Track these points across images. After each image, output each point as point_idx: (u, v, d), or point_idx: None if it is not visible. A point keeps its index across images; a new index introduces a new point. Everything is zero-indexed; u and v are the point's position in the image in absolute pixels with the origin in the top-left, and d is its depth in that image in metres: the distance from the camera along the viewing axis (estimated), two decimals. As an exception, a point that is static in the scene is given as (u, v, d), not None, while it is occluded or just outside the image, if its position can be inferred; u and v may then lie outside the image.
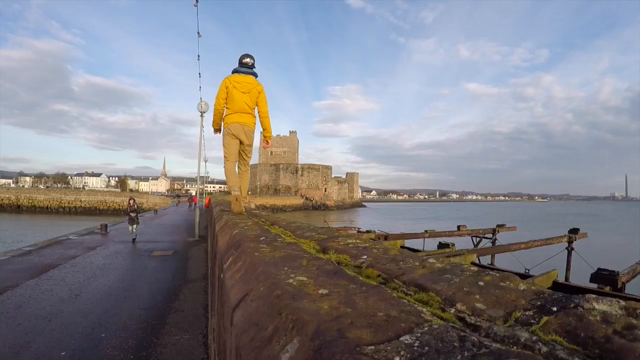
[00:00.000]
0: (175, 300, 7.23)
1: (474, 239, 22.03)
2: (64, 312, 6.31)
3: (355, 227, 18.35)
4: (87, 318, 6.08)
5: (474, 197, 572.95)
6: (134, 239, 14.87)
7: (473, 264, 11.66)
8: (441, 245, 12.85)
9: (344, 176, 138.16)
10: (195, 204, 49.18)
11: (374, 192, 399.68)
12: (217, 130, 5.70)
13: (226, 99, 5.24)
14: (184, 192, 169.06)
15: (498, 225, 23.17)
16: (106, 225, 18.36)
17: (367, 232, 16.23)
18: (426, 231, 18.08)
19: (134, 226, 15.32)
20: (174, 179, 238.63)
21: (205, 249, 13.14)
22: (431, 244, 21.93)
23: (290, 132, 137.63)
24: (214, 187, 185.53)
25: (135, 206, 16.15)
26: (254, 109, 5.38)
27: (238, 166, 5.74)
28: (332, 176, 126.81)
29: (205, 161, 37.85)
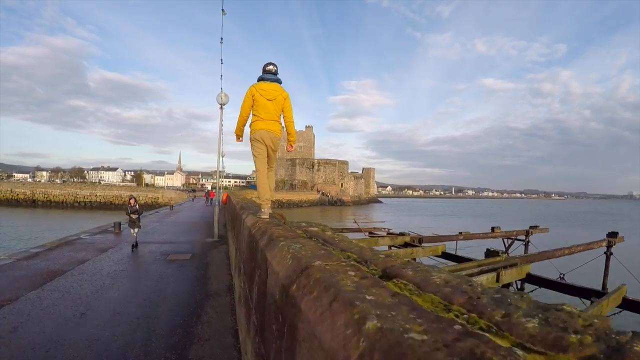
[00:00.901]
0: (197, 322, 6.08)
1: (505, 240, 20.77)
2: (65, 340, 5.20)
3: (385, 228, 17.13)
4: (92, 348, 4.97)
5: (490, 194, 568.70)
6: (133, 245, 12.63)
7: (529, 275, 10.44)
8: (490, 253, 11.58)
9: (358, 171, 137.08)
10: (212, 199, 48.72)
11: (389, 188, 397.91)
12: (239, 136, 5.75)
13: (252, 106, 5.26)
14: (199, 186, 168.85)
15: (531, 227, 21.94)
16: (120, 224, 17.38)
17: (401, 234, 15.07)
18: (460, 233, 16.87)
19: (136, 230, 13.15)
20: (189, 174, 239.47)
21: (226, 252, 12.07)
22: (467, 248, 20.76)
23: (306, 127, 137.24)
24: (229, 181, 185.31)
25: (137, 206, 13.79)
26: (280, 115, 5.41)
27: (267, 169, 5.68)
28: (349, 171, 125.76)
29: (222, 156, 36.71)
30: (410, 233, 15.61)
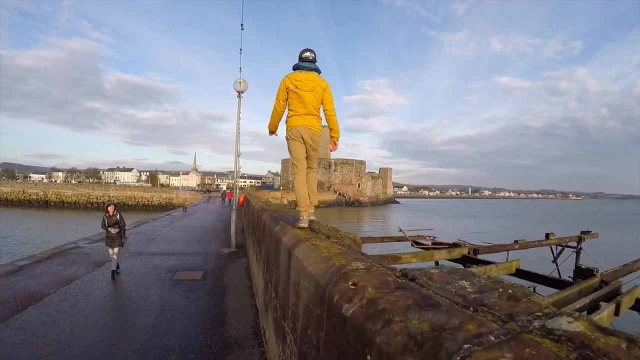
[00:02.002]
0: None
1: (553, 248, 18.43)
2: None
3: (431, 237, 14.95)
4: None
5: (507, 194, 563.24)
6: (113, 272, 9.08)
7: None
8: (581, 273, 9.31)
9: (374, 172, 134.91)
10: (230, 200, 47.10)
11: (405, 188, 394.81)
12: (272, 132, 5.09)
13: (287, 99, 4.64)
14: (214, 187, 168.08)
15: (583, 232, 19.66)
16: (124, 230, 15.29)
17: (455, 245, 12.95)
18: (516, 241, 14.78)
19: (115, 250, 9.41)
20: (204, 174, 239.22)
21: (247, 268, 9.88)
22: (529, 257, 18.54)
23: (323, 127, 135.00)
24: (244, 182, 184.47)
25: (118, 216, 9.78)
26: (319, 109, 4.70)
27: (307, 170, 4.88)
28: (366, 171, 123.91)
29: (239, 155, 34.62)
30: (467, 243, 13.49)
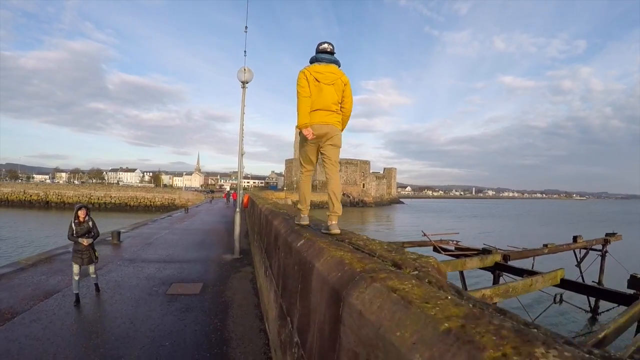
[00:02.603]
0: None
1: (576, 252, 17.38)
2: None
3: (454, 240, 13.84)
4: None
5: (510, 194, 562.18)
6: (76, 302, 6.82)
7: None
8: (636, 282, 8.14)
9: (377, 172, 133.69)
10: (234, 201, 45.91)
11: (408, 188, 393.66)
12: (307, 124, 4.05)
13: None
14: (217, 187, 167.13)
15: (607, 235, 18.73)
16: (119, 234, 14.11)
17: (485, 251, 11.86)
18: (545, 245, 13.89)
19: (90, 269, 7.45)
20: (207, 174, 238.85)
21: (253, 279, 8.66)
22: (552, 261, 17.52)
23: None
24: (248, 182, 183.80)
25: (90, 223, 7.46)
26: (339, 104, 4.25)
27: (326, 172, 4.26)
28: (370, 172, 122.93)
29: (242, 154, 33.47)
30: (497, 248, 12.39)
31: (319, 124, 4.11)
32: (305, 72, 4.17)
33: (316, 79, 4.14)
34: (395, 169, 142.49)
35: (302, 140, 4.26)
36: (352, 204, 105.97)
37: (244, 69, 11.22)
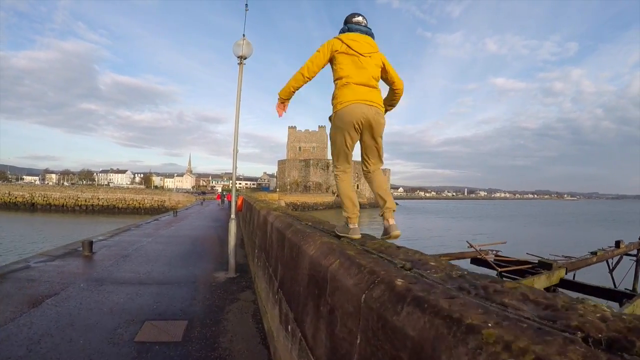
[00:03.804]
0: None
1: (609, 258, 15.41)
2: None
3: (494, 251, 11.80)
4: None
5: (502, 195, 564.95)
6: None
7: None
8: None
9: None
10: (229, 202, 43.91)
11: (400, 189, 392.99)
12: (285, 100, 3.60)
13: (333, 67, 3.42)
14: (209, 188, 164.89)
15: None
16: (91, 243, 11.79)
17: (541, 263, 9.90)
18: (594, 253, 12.21)
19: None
20: (199, 176, 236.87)
21: (255, 313, 6.34)
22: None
23: (319, 127, 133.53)
24: (240, 183, 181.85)
25: None
26: (378, 81, 3.43)
27: (365, 170, 3.52)
28: None
29: (235, 152, 31.19)
30: (555, 260, 10.49)
31: (364, 102, 3.20)
32: (334, 41, 3.39)
33: (350, 47, 3.33)
34: (389, 169, 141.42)
35: (338, 127, 3.31)
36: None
37: (242, 42, 9.01)
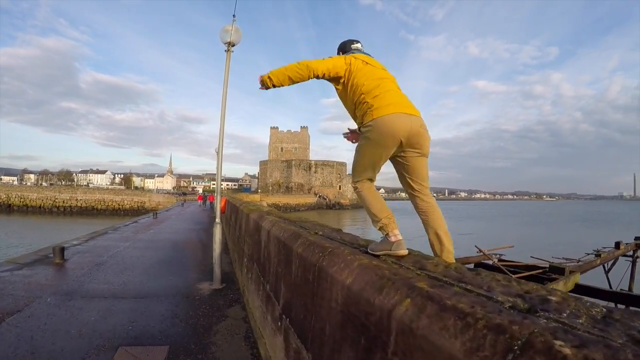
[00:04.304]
0: None
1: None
2: None
3: (497, 255, 11.16)
4: None
5: (482, 196, 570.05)
6: None
7: None
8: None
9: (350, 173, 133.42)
10: (210, 204, 42.92)
11: (382, 190, 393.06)
12: (273, 85, 3.03)
13: (351, 83, 2.93)
14: (190, 189, 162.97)
15: (637, 238, 16.86)
16: (62, 250, 10.79)
17: (554, 268, 9.37)
18: (597, 255, 12.13)
19: None
20: (180, 177, 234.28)
21: (247, 334, 5.43)
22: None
23: (302, 128, 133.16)
24: (221, 184, 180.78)
25: None
26: None
27: (414, 193, 2.92)
28: (347, 173, 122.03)
29: (217, 152, 30.17)
30: (562, 262, 9.97)
31: (401, 113, 2.70)
32: (349, 57, 3.02)
33: (367, 62, 2.98)
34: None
35: (372, 140, 2.73)
36: (328, 206, 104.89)
37: (231, 27, 8.14)
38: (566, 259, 11.88)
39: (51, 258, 10.66)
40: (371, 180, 2.96)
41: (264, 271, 4.60)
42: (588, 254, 12.98)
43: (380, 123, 2.67)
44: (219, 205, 9.25)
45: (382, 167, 2.92)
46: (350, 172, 3.06)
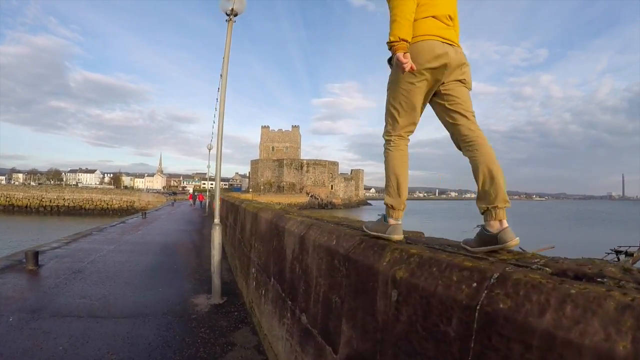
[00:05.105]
0: None
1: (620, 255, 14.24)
2: None
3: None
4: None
5: (472, 196, 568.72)
6: None
7: None
8: None
9: (344, 173, 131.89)
10: (201, 203, 41.79)
11: (373, 190, 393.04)
12: (405, 47, 2.13)
13: None
14: (180, 189, 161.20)
15: None
16: (36, 255, 9.38)
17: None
18: (629, 255, 12.02)
19: None
20: (170, 176, 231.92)
21: None
22: None
23: (293, 127, 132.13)
24: (211, 183, 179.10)
25: None
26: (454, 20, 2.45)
27: (464, 133, 2.30)
28: (339, 173, 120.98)
29: (209, 149, 28.91)
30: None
31: (437, 39, 2.22)
32: None
33: None
34: (363, 170, 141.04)
35: (399, 73, 2.20)
36: (320, 206, 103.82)
37: (233, -6, 6.80)
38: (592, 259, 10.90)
39: (22, 264, 9.30)
40: (414, 125, 2.43)
41: (293, 292, 3.29)
42: (608, 253, 12.73)
43: (416, 49, 2.21)
44: (218, 205, 7.89)
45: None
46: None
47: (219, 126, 7.56)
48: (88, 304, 6.53)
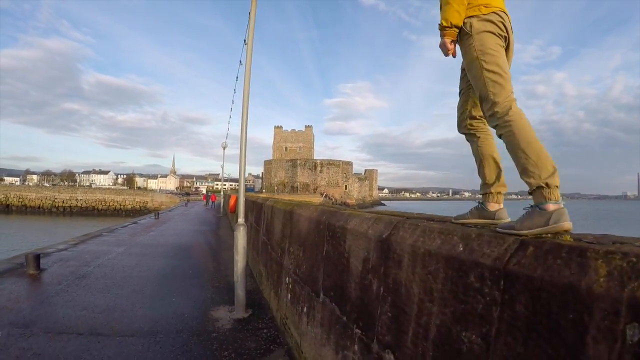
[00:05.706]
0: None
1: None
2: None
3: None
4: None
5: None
6: None
7: None
8: None
9: (359, 173, 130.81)
10: (213, 203, 41.32)
11: (385, 190, 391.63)
12: (455, 31, 2.23)
13: None
14: (193, 189, 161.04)
15: None
16: (37, 258, 8.44)
17: None
18: None
19: None
20: (183, 177, 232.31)
21: None
22: None
23: (306, 127, 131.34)
24: (224, 184, 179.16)
25: None
26: None
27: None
28: (352, 173, 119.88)
29: (224, 148, 27.97)
30: None
31: (504, 11, 2.21)
32: None
33: None
34: (377, 170, 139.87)
35: (488, 32, 2.11)
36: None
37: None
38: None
39: (23, 267, 8.45)
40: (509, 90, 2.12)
41: (364, 318, 2.27)
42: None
43: (492, 16, 2.16)
44: (242, 202, 6.87)
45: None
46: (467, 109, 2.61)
47: (243, 113, 6.52)
48: (90, 317, 5.53)
